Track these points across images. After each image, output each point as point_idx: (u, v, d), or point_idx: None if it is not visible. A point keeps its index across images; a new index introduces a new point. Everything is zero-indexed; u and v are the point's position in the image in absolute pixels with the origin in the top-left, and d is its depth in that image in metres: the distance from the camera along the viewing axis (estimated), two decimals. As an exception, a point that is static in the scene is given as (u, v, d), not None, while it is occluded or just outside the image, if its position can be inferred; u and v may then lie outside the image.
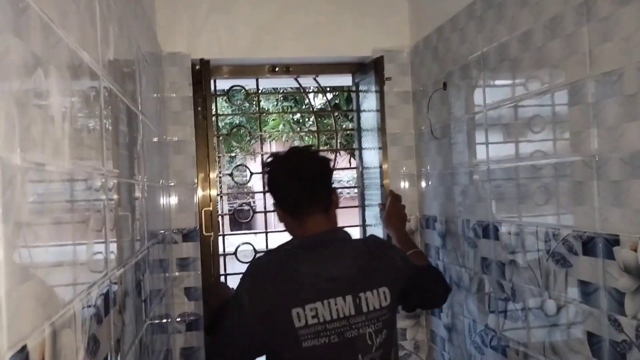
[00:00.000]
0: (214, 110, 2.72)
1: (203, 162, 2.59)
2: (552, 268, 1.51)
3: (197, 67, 2.49)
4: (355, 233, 2.15)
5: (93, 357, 0.89)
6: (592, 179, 1.33)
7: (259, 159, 2.76)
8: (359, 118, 2.77)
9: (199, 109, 2.55)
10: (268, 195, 2.84)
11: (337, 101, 7.62)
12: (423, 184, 2.53)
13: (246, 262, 2.61)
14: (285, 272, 1.42)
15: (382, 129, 2.52)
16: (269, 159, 1.63)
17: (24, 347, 0.57)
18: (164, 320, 2.11)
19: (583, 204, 1.37)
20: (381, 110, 2.51)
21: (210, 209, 2.50)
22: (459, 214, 2.12)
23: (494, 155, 1.82)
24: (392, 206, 2.17)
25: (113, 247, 1.12)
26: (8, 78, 0.57)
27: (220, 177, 2.75)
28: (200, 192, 2.52)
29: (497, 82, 1.79)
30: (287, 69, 2.63)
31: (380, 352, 1.45)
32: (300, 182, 1.51)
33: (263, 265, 1.48)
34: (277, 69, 2.64)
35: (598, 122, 1.30)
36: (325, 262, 1.44)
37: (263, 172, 1.64)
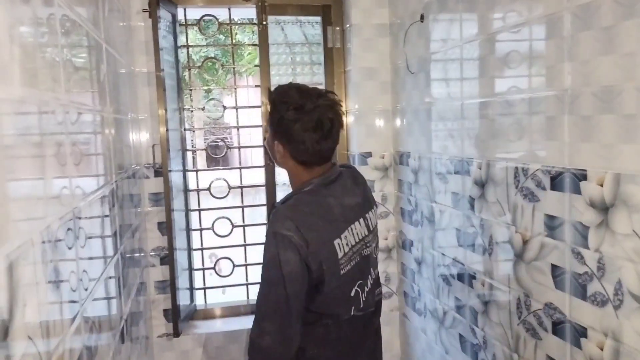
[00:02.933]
0: (185, 41, 2.63)
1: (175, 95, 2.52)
2: (520, 203, 1.53)
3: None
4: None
5: (56, 291, 0.88)
6: (563, 113, 1.32)
7: (235, 94, 2.71)
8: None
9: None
10: (243, 131, 2.81)
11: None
12: (398, 120, 2.51)
13: (219, 198, 2.61)
14: (321, 208, 1.44)
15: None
16: (279, 96, 1.48)
17: (-26, 279, 0.56)
18: (137, 254, 2.11)
19: (554, 139, 1.37)
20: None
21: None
22: (432, 150, 2.12)
23: (469, 90, 1.81)
24: None
25: (77, 180, 1.09)
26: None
27: (192, 112, 2.69)
28: (161, 128, 2.42)
29: (475, 15, 1.75)
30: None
31: (377, 265, 1.62)
32: (320, 137, 1.43)
33: (299, 206, 1.44)
34: (249, -2, 2.53)
35: (572, 56, 1.29)
36: (342, 193, 1.51)
37: (272, 109, 1.48)
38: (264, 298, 1.39)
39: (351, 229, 1.48)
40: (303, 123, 1.42)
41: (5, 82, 0.70)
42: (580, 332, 1.31)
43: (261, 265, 1.41)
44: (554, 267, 1.40)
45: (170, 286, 2.38)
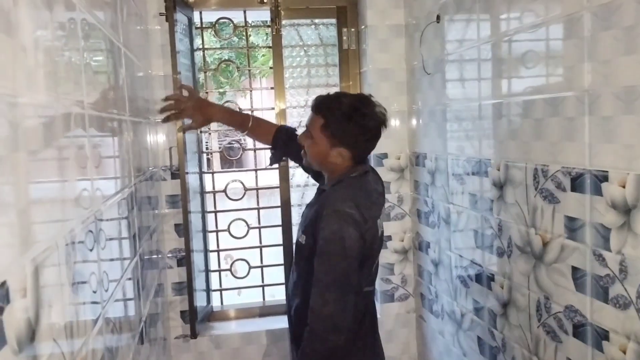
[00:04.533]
0: (201, 44, 2.64)
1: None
2: (539, 204, 1.51)
3: (181, -2, 2.39)
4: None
5: (79, 293, 0.89)
6: (583, 114, 1.31)
7: (249, 95, 2.71)
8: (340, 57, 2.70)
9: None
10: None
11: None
12: (414, 121, 2.50)
13: (235, 199, 2.62)
14: (367, 192, 1.66)
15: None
16: (352, 103, 1.65)
17: (3, 283, 0.56)
18: (155, 256, 2.12)
19: (574, 140, 1.35)
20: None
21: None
22: (449, 151, 2.11)
23: (486, 91, 1.79)
24: (192, 96, 2.08)
25: (97, 183, 1.10)
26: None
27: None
28: (178, 130, 2.45)
29: (492, 15, 1.74)
30: (275, 1, 2.54)
31: None
32: (376, 142, 1.71)
33: (354, 189, 1.62)
34: (265, 1, 2.54)
35: (592, 57, 1.27)
36: (375, 181, 1.75)
37: (340, 112, 1.64)
38: (326, 271, 1.53)
39: (381, 212, 1.70)
40: (376, 127, 1.65)
41: (30, 88, 0.70)
42: (602, 335, 1.29)
43: (321, 241, 1.53)
44: (574, 270, 1.38)
45: (187, 288, 2.40)
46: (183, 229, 2.37)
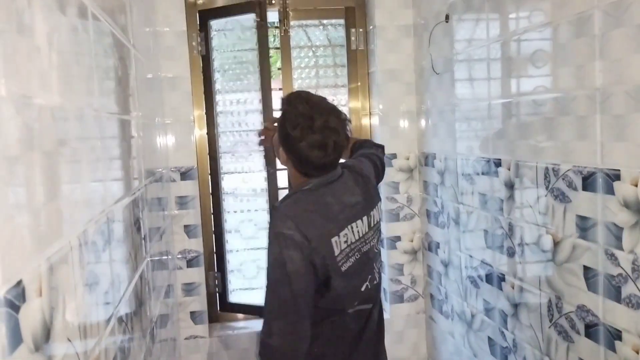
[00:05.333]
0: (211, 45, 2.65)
1: (199, 100, 2.56)
2: (550, 204, 1.50)
3: (190, -1, 2.42)
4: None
5: (91, 293, 0.89)
6: (595, 113, 1.30)
7: (262, 96, 2.72)
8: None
9: (193, 43, 2.50)
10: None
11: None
12: (423, 121, 2.49)
13: (245, 200, 2.63)
14: (319, 206, 1.47)
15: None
16: (289, 110, 1.48)
17: (19, 282, 0.57)
18: (165, 257, 2.13)
19: (585, 139, 1.35)
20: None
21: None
22: (458, 151, 2.10)
23: (495, 90, 1.79)
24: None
25: (109, 184, 1.11)
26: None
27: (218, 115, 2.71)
28: (197, 131, 2.51)
29: (501, 14, 1.73)
30: (283, 3, 2.54)
31: (380, 259, 1.65)
32: (325, 158, 1.46)
33: (298, 205, 1.47)
34: (273, 2, 2.55)
35: (603, 55, 1.27)
36: (342, 192, 1.52)
37: (283, 120, 1.48)
38: (271, 298, 1.41)
39: (351, 227, 1.49)
40: (308, 142, 1.43)
41: (45, 89, 0.71)
42: (615, 335, 1.28)
43: (267, 268, 1.42)
44: (586, 269, 1.37)
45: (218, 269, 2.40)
46: (202, 229, 2.38)
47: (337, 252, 1.44)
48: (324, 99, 1.53)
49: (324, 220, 1.45)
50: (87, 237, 0.87)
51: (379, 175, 1.82)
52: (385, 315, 1.74)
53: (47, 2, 0.74)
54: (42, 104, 0.69)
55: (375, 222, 1.60)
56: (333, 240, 1.44)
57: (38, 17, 0.69)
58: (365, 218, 1.54)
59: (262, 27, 2.46)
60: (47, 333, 0.65)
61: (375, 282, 1.57)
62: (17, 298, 0.56)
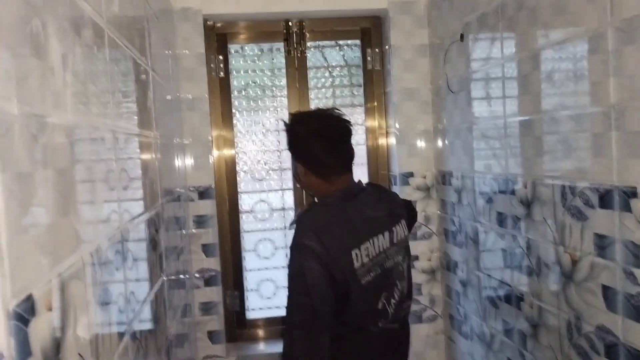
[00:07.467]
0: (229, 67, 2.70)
1: (217, 120, 2.60)
2: (568, 222, 1.48)
3: (208, 22, 2.47)
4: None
5: (104, 308, 0.90)
6: (610, 129, 1.29)
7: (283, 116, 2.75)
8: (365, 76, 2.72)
9: (212, 65, 2.55)
10: (285, 153, 2.85)
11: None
12: (439, 139, 2.49)
13: (263, 219, 2.64)
14: (340, 219, 1.49)
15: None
16: (292, 120, 1.60)
17: (29, 296, 0.58)
18: (182, 276, 2.15)
19: (601, 156, 1.33)
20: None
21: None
22: (475, 169, 2.09)
23: (512, 108, 1.78)
24: None
25: (124, 203, 1.13)
26: (2, 27, 0.56)
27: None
28: (215, 151, 2.55)
29: (516, 33, 1.73)
30: (300, 25, 2.59)
31: (407, 278, 1.64)
32: (331, 147, 1.53)
33: (319, 217, 1.50)
34: (290, 24, 2.59)
35: (618, 71, 1.26)
36: (364, 206, 1.56)
37: (288, 132, 1.58)
38: (292, 309, 1.43)
39: (372, 241, 1.51)
40: (315, 136, 1.52)
41: (59, 108, 0.73)
42: (635, 356, 1.25)
43: (287, 278, 1.45)
44: (605, 288, 1.35)
45: (234, 288, 2.41)
46: (219, 248, 2.40)
47: (357, 264, 1.46)
48: (321, 108, 1.66)
49: (345, 233, 1.47)
50: (100, 254, 0.89)
51: (412, 217, 1.90)
52: (408, 339, 1.71)
53: (61, 25, 0.76)
54: (55, 122, 0.71)
55: (399, 239, 1.61)
56: (353, 252, 1.46)
57: (52, 39, 0.72)
58: (387, 233, 1.56)
59: (288, 53, 2.61)
60: (57, 347, 0.66)
61: (394, 301, 1.55)
62: (27, 312, 0.57)
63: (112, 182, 1.02)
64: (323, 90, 2.75)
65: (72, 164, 0.78)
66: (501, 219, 1.89)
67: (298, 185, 1.74)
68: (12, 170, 0.55)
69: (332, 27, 2.67)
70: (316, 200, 1.64)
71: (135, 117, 1.34)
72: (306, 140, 1.53)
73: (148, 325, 1.33)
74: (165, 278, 1.64)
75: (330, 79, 2.76)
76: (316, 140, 1.52)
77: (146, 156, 1.44)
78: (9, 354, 0.53)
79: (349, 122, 1.59)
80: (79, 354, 0.75)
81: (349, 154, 1.58)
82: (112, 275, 0.97)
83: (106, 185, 0.97)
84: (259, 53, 2.70)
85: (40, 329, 0.61)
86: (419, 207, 2.56)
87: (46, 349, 0.62)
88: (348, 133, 1.57)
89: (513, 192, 1.79)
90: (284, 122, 1.62)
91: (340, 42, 2.74)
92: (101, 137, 0.96)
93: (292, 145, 1.58)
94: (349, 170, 1.59)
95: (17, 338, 0.54)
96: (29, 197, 0.60)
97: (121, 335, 1.02)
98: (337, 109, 1.59)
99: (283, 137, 2.73)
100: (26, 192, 0.59)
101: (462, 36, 2.12)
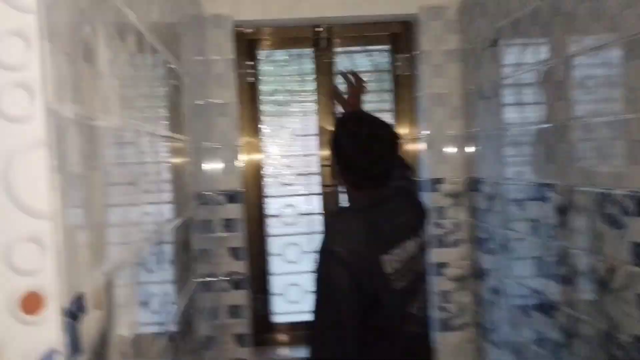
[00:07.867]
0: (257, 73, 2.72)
1: (246, 125, 2.62)
2: (604, 230, 1.46)
3: (238, 28, 2.50)
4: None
5: (144, 308, 0.92)
6: (650, 136, 1.27)
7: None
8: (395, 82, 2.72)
9: (241, 71, 2.58)
10: (313, 158, 2.86)
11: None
12: (470, 145, 2.47)
13: (289, 224, 2.65)
14: (369, 224, 1.48)
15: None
16: (343, 121, 1.59)
17: (81, 295, 0.59)
18: (211, 279, 2.16)
19: (639, 163, 1.31)
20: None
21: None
22: (507, 176, 2.07)
23: (545, 114, 1.76)
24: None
25: (162, 205, 1.14)
26: (57, 33, 0.57)
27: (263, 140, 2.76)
28: (244, 156, 2.58)
29: (550, 38, 1.71)
30: (329, 31, 2.60)
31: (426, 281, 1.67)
32: (373, 166, 1.51)
33: (348, 222, 1.51)
34: (319, 30, 2.60)
35: (659, 77, 1.23)
36: (394, 212, 1.56)
37: (336, 130, 1.57)
38: (318, 313, 1.42)
39: (404, 246, 1.52)
40: (357, 148, 1.50)
41: (107, 112, 0.75)
42: (676, 368, 1.22)
43: (314, 282, 1.44)
44: (643, 298, 1.32)
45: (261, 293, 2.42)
46: (247, 251, 2.41)
47: (389, 270, 1.46)
48: (378, 118, 1.58)
49: (373, 239, 1.46)
50: (141, 255, 0.90)
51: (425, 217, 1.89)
52: (434, 345, 1.72)
53: (109, 31, 0.78)
54: (103, 125, 0.73)
55: (423, 241, 1.63)
56: (384, 258, 1.45)
57: (101, 45, 0.73)
58: (415, 238, 1.58)
59: (317, 58, 2.64)
60: (103, 345, 0.67)
61: (422, 306, 1.58)
62: (79, 309, 0.58)
63: (150, 185, 1.04)
64: (352, 95, 2.75)
65: (118, 167, 0.79)
66: (534, 227, 1.86)
67: (331, 177, 1.73)
68: (67, 172, 0.57)
69: (361, 33, 2.67)
70: (347, 199, 1.62)
71: (171, 121, 1.36)
72: (351, 149, 1.51)
73: (182, 327, 1.35)
74: (196, 280, 1.66)
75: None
76: (357, 152, 1.50)
77: (179, 160, 1.46)
78: (63, 351, 0.54)
79: (398, 140, 1.56)
80: (122, 352, 0.77)
81: (387, 166, 1.55)
82: (150, 276, 0.98)
83: (145, 187, 0.99)
84: (288, 58, 2.72)
85: (90, 327, 0.62)
86: (448, 214, 2.54)
87: (94, 346, 0.64)
88: (392, 149, 1.54)
89: (546, 199, 1.76)
90: (336, 118, 1.60)
91: (369, 47, 2.74)
92: (141, 141, 0.98)
93: (336, 145, 1.56)
94: (383, 185, 1.57)
95: (69, 335, 0.56)
96: (82, 198, 0.62)
97: (159, 335, 1.03)
98: (396, 133, 1.57)
99: (310, 142, 2.76)
100: (79, 193, 0.61)
101: (494, 41, 2.10)
